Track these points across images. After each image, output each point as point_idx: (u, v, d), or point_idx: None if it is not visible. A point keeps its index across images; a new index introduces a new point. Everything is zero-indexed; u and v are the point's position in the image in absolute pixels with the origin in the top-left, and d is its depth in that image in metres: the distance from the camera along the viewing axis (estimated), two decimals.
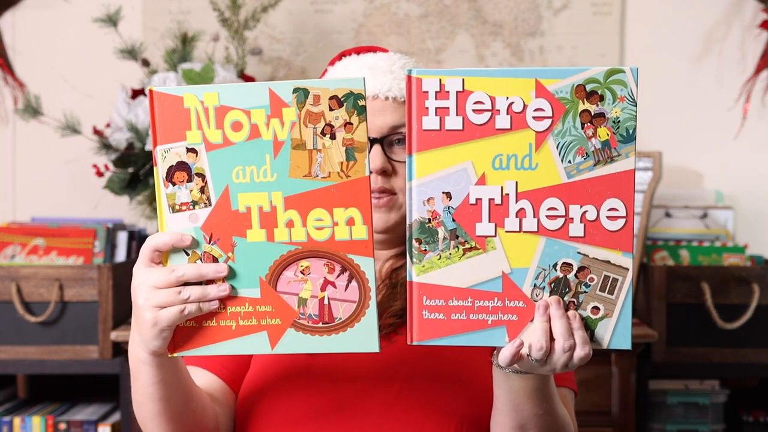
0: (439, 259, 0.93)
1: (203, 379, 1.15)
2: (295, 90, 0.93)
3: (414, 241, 0.93)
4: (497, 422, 1.06)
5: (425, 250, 0.93)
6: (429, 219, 0.93)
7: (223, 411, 1.15)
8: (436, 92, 0.91)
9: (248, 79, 2.21)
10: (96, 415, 2.14)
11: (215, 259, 0.95)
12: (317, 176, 0.94)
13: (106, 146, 2.17)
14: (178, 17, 2.44)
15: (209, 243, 0.95)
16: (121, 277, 2.03)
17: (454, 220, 0.93)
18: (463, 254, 0.93)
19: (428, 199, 0.92)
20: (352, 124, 0.93)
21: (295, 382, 1.13)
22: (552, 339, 0.93)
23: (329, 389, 1.11)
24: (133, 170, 2.16)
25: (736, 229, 2.33)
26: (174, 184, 0.95)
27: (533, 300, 0.93)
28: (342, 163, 0.93)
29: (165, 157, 0.95)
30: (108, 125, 2.19)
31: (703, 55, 2.44)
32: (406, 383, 1.11)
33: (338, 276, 0.95)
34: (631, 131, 0.91)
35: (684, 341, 2.01)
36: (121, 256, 2.17)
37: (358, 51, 1.25)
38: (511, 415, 1.03)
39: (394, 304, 1.16)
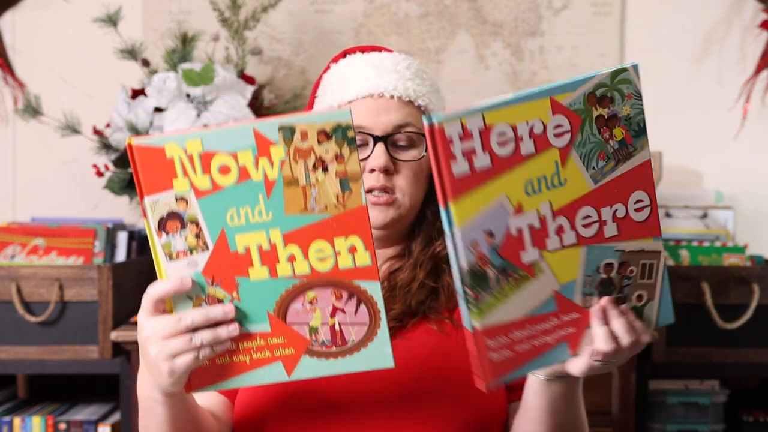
0: (493, 298, 0.90)
1: (203, 397, 1.15)
2: (281, 128, 0.90)
3: (467, 288, 0.90)
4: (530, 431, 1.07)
5: (478, 294, 0.90)
6: (477, 264, 0.89)
7: (224, 428, 1.15)
8: (460, 135, 0.87)
9: (248, 79, 2.20)
10: (96, 415, 2.14)
11: (220, 301, 0.93)
12: (314, 210, 0.92)
13: (106, 146, 2.17)
14: (178, 17, 2.44)
15: (212, 285, 0.93)
16: (121, 277, 2.02)
17: (500, 257, 0.90)
18: (515, 286, 0.91)
19: (473, 243, 0.88)
20: (343, 156, 0.91)
21: (290, 395, 1.12)
22: (615, 338, 0.95)
23: (325, 399, 1.10)
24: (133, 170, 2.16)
25: (736, 229, 2.32)
26: (168, 233, 0.92)
27: (586, 308, 0.95)
28: (338, 194, 0.92)
29: (154, 208, 0.92)
30: (108, 125, 2.19)
31: (703, 55, 2.44)
32: (404, 392, 1.10)
33: (346, 302, 0.94)
34: (642, 124, 0.93)
35: (684, 341, 2.01)
36: (121, 256, 2.17)
37: (363, 50, 1.24)
38: (547, 422, 1.05)
39: (393, 307, 1.16)
